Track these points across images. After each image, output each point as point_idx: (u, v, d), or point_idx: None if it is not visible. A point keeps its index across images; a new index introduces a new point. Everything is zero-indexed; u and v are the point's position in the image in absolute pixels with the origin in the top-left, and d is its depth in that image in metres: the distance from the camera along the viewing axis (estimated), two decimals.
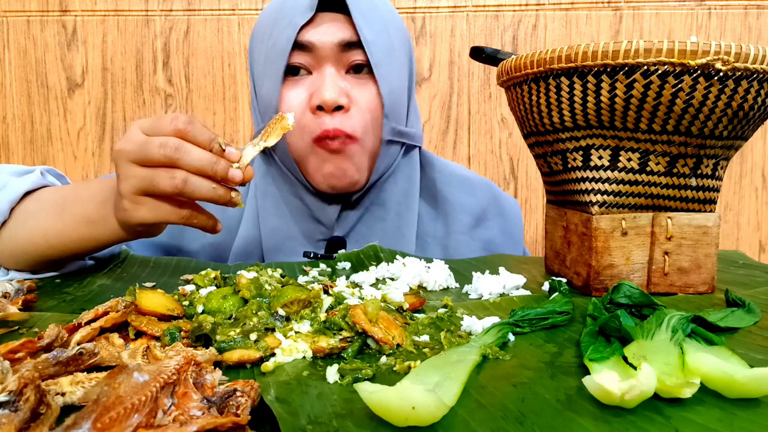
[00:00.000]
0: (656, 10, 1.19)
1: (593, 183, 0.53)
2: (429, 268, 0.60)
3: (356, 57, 0.67)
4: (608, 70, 0.48)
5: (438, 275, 0.57)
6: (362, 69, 0.68)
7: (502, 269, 0.57)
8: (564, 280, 0.55)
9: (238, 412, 0.27)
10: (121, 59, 1.23)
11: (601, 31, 1.20)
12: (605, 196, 0.53)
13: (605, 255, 0.52)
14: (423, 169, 0.80)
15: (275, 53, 0.67)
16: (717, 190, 0.54)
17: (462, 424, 0.28)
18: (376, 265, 0.62)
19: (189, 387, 0.29)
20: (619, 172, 0.52)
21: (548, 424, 0.28)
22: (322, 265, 0.65)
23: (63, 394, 0.29)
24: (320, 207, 0.73)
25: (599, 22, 1.20)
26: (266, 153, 0.73)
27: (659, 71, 0.47)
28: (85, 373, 0.32)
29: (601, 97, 0.49)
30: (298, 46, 0.66)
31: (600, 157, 0.53)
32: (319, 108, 0.66)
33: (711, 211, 0.54)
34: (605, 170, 0.53)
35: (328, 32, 0.66)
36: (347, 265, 0.66)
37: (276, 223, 0.73)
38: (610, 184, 0.53)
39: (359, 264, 0.66)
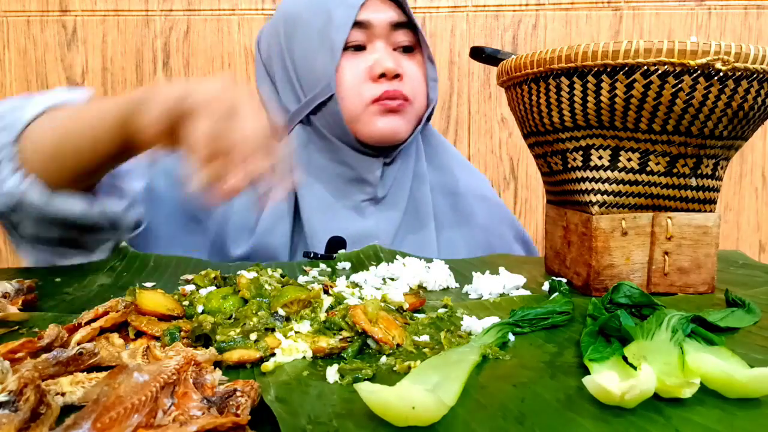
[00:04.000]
0: (656, 10, 1.19)
1: (593, 183, 0.53)
2: (429, 268, 0.60)
3: (404, 37, 0.77)
4: (608, 70, 0.48)
5: (438, 275, 0.57)
6: (410, 49, 0.78)
7: (502, 269, 0.57)
8: (564, 280, 0.55)
9: (238, 412, 0.27)
10: (121, 59, 1.23)
11: (601, 31, 1.20)
12: (605, 196, 0.53)
13: (605, 255, 0.52)
14: (425, 137, 0.87)
15: (333, 30, 0.74)
16: (717, 190, 0.54)
17: (462, 424, 0.28)
18: (376, 265, 0.62)
19: (189, 387, 0.29)
20: (619, 172, 0.52)
21: (548, 424, 0.28)
22: (322, 265, 0.65)
23: (63, 394, 0.29)
24: (365, 165, 0.78)
25: (599, 22, 1.20)
26: (305, 122, 0.79)
27: (659, 71, 0.47)
28: (85, 373, 0.32)
29: (601, 97, 0.49)
30: (355, 23, 0.74)
31: (600, 157, 0.53)
32: (381, 76, 0.74)
33: (711, 211, 0.54)
34: (605, 170, 0.53)
35: (382, 11, 0.76)
36: (347, 265, 0.66)
37: (320, 190, 0.78)
38: (610, 184, 0.53)
39: (359, 264, 0.66)
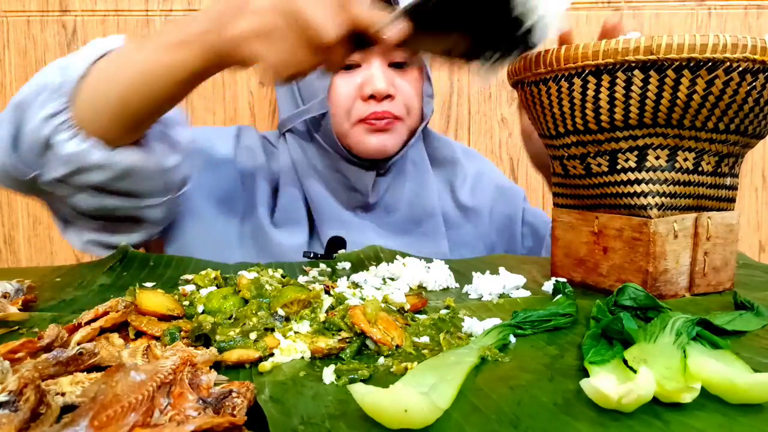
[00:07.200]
0: (656, 11, 1.19)
1: (649, 185, 0.51)
2: (429, 268, 0.60)
3: (400, 54, 0.76)
4: (691, 65, 0.46)
5: (438, 275, 0.57)
6: (403, 65, 0.78)
7: (502, 269, 0.57)
8: (565, 280, 0.54)
9: (235, 412, 0.27)
10: None
11: None
12: (663, 198, 0.51)
13: (661, 260, 0.50)
14: (426, 140, 0.89)
15: None
16: (737, 187, 0.55)
17: (455, 427, 0.28)
18: (376, 266, 0.62)
19: (185, 387, 0.29)
20: (676, 172, 0.51)
21: (543, 428, 0.28)
22: (322, 265, 0.65)
23: (63, 394, 0.29)
24: (358, 175, 0.80)
25: (599, 22, 1.19)
26: (306, 131, 0.81)
27: (740, 68, 0.45)
28: (85, 373, 0.32)
29: (679, 93, 0.47)
30: None
31: (657, 157, 0.51)
32: (371, 97, 0.74)
33: (733, 209, 0.54)
34: (662, 171, 0.51)
35: None
36: (347, 265, 0.66)
37: (319, 189, 0.81)
38: (668, 186, 0.51)
39: (359, 264, 0.66)
